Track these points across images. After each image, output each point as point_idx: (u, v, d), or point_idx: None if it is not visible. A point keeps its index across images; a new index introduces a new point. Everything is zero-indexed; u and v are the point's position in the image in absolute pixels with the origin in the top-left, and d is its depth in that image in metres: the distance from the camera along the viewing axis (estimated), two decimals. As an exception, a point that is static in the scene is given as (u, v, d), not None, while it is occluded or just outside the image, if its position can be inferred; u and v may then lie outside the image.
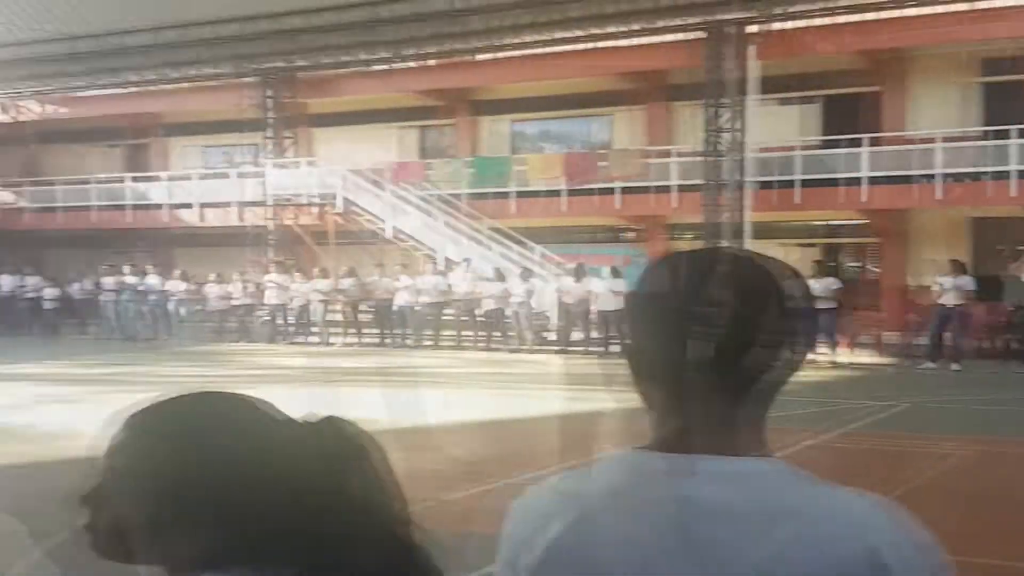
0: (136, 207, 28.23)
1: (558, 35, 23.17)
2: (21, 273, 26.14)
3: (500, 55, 24.40)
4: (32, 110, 30.26)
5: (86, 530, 1.19)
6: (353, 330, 22.47)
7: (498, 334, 20.83)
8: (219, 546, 1.14)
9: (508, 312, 20.62)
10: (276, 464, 1.16)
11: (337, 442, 1.19)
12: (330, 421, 1.22)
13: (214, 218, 27.38)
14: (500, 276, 20.88)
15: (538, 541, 1.20)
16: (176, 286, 24.02)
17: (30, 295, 25.62)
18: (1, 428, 11.82)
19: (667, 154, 22.91)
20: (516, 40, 23.60)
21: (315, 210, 25.52)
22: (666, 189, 22.27)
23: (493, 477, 9.03)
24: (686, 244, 22.56)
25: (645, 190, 22.36)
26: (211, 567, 1.14)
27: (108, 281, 24.68)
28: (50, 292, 25.52)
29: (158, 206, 27.98)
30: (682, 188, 22.14)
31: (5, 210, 30.08)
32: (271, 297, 23.08)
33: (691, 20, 21.43)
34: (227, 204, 27.08)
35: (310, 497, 1.15)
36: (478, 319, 21.21)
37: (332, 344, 22.04)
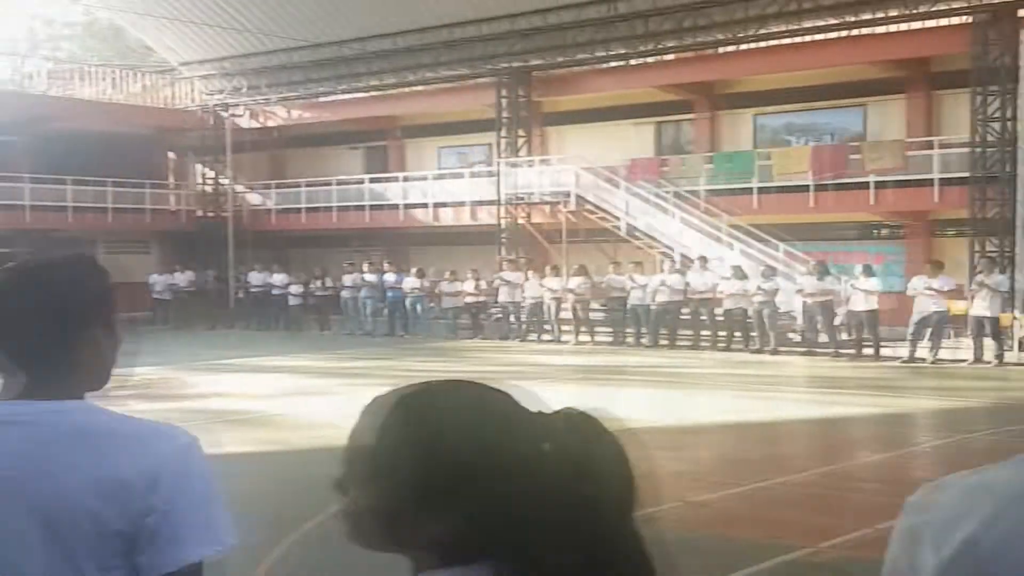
0: (373, 207, 29.52)
1: (807, 24, 22.55)
2: (269, 271, 27.83)
3: (744, 47, 23.95)
4: (279, 115, 32.25)
5: (342, 515, 1.22)
6: (585, 328, 22.52)
7: (738, 334, 20.35)
8: (468, 536, 1.16)
9: (749, 312, 20.10)
10: (530, 456, 1.16)
11: (592, 438, 1.18)
12: (586, 416, 1.20)
13: (449, 217, 28.29)
14: (741, 274, 20.40)
15: (950, 539, 1.14)
16: (412, 284, 24.85)
17: (277, 292, 27.22)
18: (257, 416, 12.52)
19: (930, 145, 21.74)
20: (762, 31, 23.15)
21: (548, 208, 25.83)
22: (928, 183, 21.09)
23: (738, 480, 8.85)
24: (952, 241, 21.41)
25: (905, 184, 21.26)
26: (460, 557, 1.17)
27: (348, 279, 25.86)
28: (295, 289, 27.02)
29: (395, 206, 29.14)
30: (947, 182, 20.94)
31: (254, 211, 32.23)
32: (504, 295, 23.51)
33: (971, 3, 20.32)
34: (461, 203, 27.87)
35: (560, 492, 1.15)
36: (717, 319, 20.80)
37: (565, 342, 22.21)
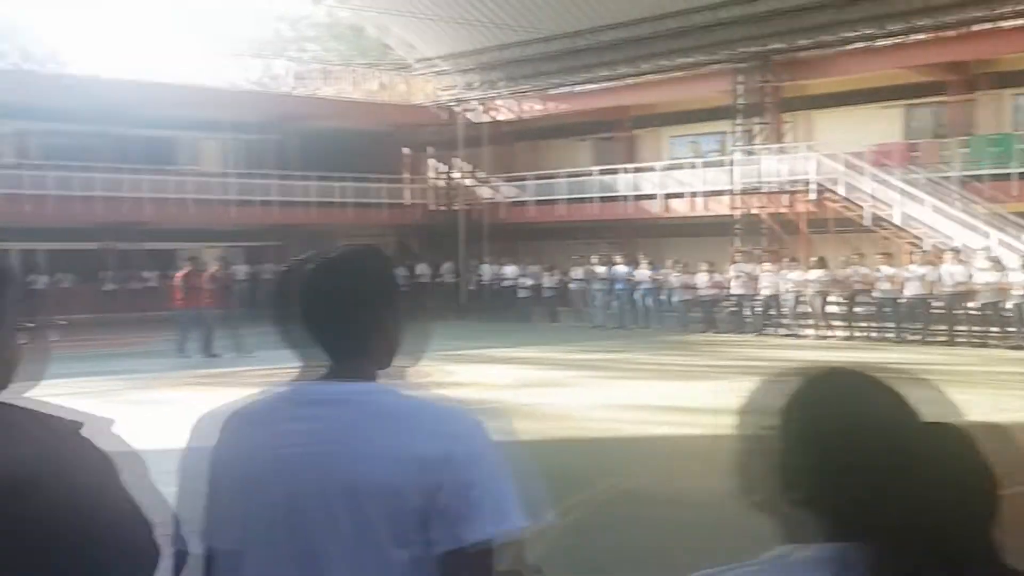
0: (604, 199, 29.81)
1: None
2: (500, 263, 28.62)
3: (1009, 23, 22.68)
4: (510, 109, 33.06)
5: (747, 489, 1.36)
6: (825, 323, 21.94)
7: (996, 329, 19.31)
8: (851, 518, 1.27)
9: (1009, 305, 19.03)
10: (925, 459, 1.27)
11: (986, 455, 1.30)
12: (992, 429, 1.33)
13: (681, 208, 28.21)
14: (999, 265, 19.35)
15: None
16: (643, 275, 24.92)
17: (508, 283, 27.96)
18: (492, 407, 12.93)
19: None
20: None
21: (787, 197, 25.34)
22: None
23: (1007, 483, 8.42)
24: None
25: None
26: (840, 535, 1.28)
27: (578, 271, 26.22)
28: (525, 281, 27.65)
29: (625, 197, 29.33)
30: None
31: (486, 204, 33.18)
32: (739, 287, 23.23)
33: None
34: (694, 194, 27.74)
35: (949, 499, 1.25)
36: (972, 312, 19.80)
37: (804, 337, 21.73)
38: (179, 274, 18.76)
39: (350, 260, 1.88)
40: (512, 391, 14.20)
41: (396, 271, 1.94)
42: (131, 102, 28.59)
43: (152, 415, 11.07)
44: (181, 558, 1.85)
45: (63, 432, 1.60)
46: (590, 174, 30.75)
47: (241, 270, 29.49)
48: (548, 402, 13.11)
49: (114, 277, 29.58)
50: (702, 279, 24.00)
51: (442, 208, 33.87)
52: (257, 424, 1.82)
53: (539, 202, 31.55)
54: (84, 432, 1.61)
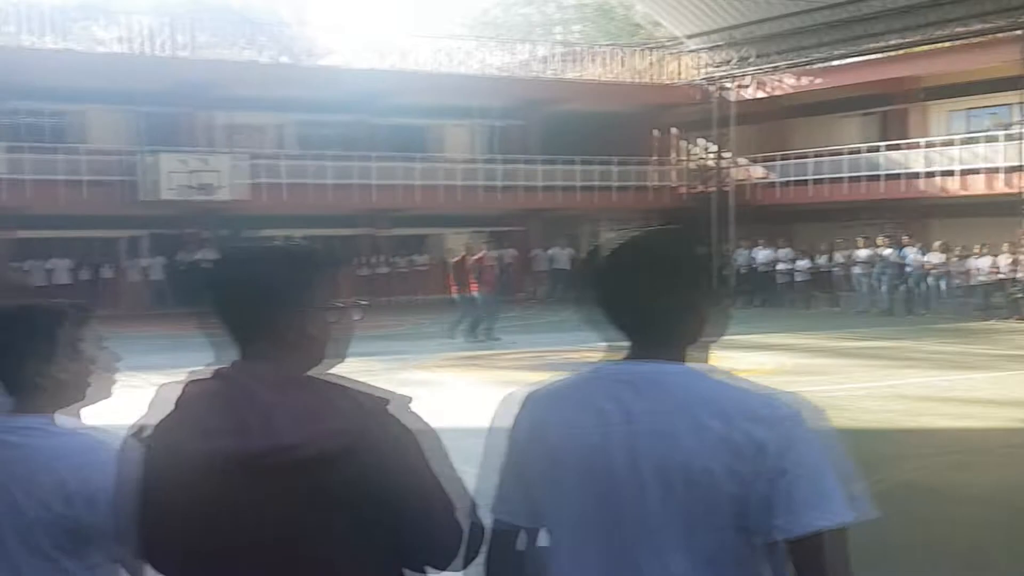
0: (889, 177, 28.30)
1: None
2: (775, 246, 27.73)
3: None
4: (786, 83, 31.92)
5: None
6: None
7: None
8: None
9: None
10: None
11: None
12: None
13: (978, 185, 26.44)
14: None
15: None
16: (936, 259, 23.51)
17: (783, 267, 27.06)
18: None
19: None
20: None
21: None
22: None
23: None
24: None
25: None
26: None
27: (861, 254, 25.02)
28: (801, 264, 26.68)
29: (915, 175, 27.85)
30: None
31: (759, 184, 32.23)
32: (1049, 271, 21.48)
33: None
34: (994, 170, 25.93)
35: None
36: None
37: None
38: (473, 259, 18.62)
39: (663, 240, 1.90)
40: (782, 379, 13.66)
41: (708, 251, 1.91)
42: (387, 91, 29.49)
43: (417, 394, 11.23)
44: (500, 535, 1.92)
45: (372, 408, 1.71)
46: (877, 149, 29.26)
47: (506, 254, 30.19)
48: (819, 391, 12.52)
49: (385, 261, 30.75)
50: (1002, 261, 22.38)
51: (709, 189, 33.13)
52: (569, 404, 1.84)
53: (816, 181, 30.30)
54: (390, 409, 1.72)
